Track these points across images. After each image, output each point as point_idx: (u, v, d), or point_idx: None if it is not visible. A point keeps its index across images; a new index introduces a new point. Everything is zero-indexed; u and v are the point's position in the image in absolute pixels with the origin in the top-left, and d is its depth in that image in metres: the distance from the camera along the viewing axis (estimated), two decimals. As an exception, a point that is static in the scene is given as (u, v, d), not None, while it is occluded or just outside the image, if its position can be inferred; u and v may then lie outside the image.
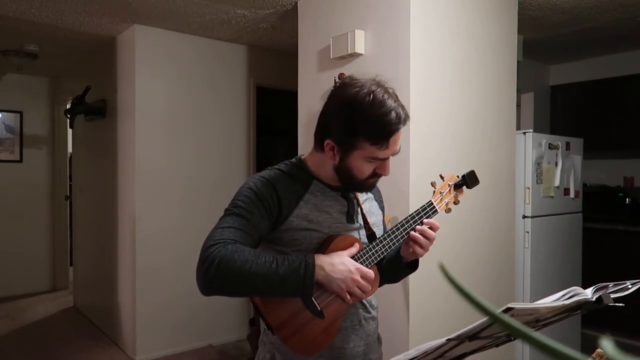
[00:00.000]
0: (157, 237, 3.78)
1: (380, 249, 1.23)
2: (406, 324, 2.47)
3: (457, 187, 1.34)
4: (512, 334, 0.74)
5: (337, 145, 1.18)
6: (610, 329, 3.71)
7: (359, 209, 1.31)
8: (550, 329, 0.96)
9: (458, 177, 1.35)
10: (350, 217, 1.28)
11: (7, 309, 4.98)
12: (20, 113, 5.50)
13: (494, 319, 0.30)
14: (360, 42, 2.66)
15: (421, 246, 1.24)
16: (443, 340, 0.77)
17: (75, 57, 4.67)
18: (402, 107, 1.18)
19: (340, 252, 1.18)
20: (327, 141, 1.19)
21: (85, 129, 4.68)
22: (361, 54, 2.68)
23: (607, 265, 4.07)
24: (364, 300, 1.29)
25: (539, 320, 0.83)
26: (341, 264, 1.14)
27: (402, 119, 1.16)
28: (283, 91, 4.27)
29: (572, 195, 3.58)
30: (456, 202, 1.35)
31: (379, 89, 1.16)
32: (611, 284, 0.91)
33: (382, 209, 1.43)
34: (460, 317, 2.54)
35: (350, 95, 1.16)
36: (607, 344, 0.27)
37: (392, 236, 1.24)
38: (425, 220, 1.26)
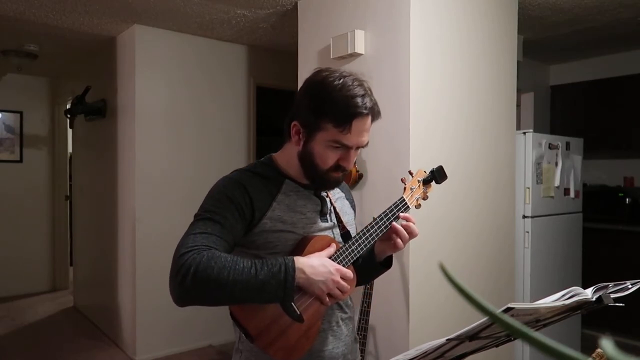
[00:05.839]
0: (157, 236, 3.78)
1: (357, 248, 1.20)
2: (406, 324, 2.47)
3: (426, 182, 1.34)
4: (512, 334, 0.74)
5: (302, 128, 1.17)
6: (610, 329, 3.71)
7: (332, 208, 1.30)
8: (550, 329, 0.96)
9: (426, 172, 1.35)
10: (324, 216, 1.26)
11: (7, 309, 4.99)
12: (20, 113, 5.50)
13: (494, 319, 0.30)
14: (360, 42, 2.66)
15: (403, 240, 1.24)
16: (443, 340, 0.77)
17: (75, 57, 4.67)
18: (372, 100, 1.16)
19: (318, 253, 1.15)
20: (293, 122, 1.18)
21: (85, 129, 4.68)
22: (361, 54, 2.68)
23: (607, 265, 4.07)
24: (340, 301, 1.26)
25: (539, 320, 0.83)
26: (322, 266, 1.11)
27: (367, 107, 1.14)
28: (283, 91, 4.27)
29: (572, 195, 3.58)
30: (425, 198, 1.35)
31: (351, 77, 1.15)
32: (611, 284, 0.91)
33: (353, 208, 1.42)
34: (460, 317, 2.54)
35: (321, 78, 1.16)
36: (607, 344, 0.27)
37: (368, 234, 1.22)
38: (402, 215, 1.25)
